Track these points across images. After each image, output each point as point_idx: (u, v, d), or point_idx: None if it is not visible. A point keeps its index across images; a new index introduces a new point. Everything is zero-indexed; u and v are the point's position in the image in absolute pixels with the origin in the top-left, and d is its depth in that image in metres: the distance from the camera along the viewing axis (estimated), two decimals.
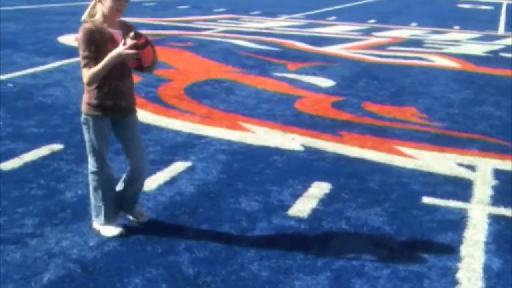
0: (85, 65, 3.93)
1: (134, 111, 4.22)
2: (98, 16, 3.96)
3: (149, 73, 4.14)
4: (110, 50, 3.84)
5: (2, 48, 10.79)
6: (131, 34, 3.83)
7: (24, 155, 5.70)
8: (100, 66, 3.87)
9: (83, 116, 4.13)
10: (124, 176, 4.33)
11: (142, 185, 4.40)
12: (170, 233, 4.34)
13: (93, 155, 4.15)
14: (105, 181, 4.24)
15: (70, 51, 10.74)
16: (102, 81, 3.97)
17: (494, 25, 20.55)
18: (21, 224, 4.36)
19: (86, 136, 4.14)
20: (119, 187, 4.34)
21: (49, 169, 5.41)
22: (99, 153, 4.13)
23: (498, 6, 30.35)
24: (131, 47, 3.79)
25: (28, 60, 9.96)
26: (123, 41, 3.84)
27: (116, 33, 3.98)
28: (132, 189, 4.32)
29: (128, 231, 4.30)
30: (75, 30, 13.28)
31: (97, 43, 3.91)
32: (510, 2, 33.19)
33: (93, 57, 3.91)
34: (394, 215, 4.84)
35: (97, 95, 4.01)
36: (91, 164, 4.21)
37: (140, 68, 3.96)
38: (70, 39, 12.14)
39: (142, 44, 3.84)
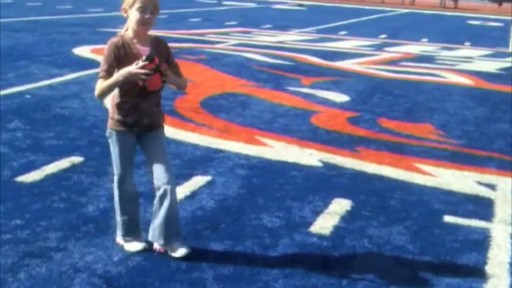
0: (100, 77, 3.95)
1: (160, 126, 4.17)
2: (129, 31, 3.95)
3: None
4: None
5: (18, 59, 10.83)
6: (144, 57, 3.80)
7: (44, 167, 5.70)
8: (110, 81, 3.89)
9: (107, 130, 4.13)
10: (154, 201, 4.18)
11: (172, 207, 4.05)
12: (194, 249, 4.32)
13: (116, 169, 4.15)
14: (126, 195, 4.23)
15: (86, 63, 10.81)
16: (123, 98, 3.97)
17: (504, 41, 20.57)
18: (45, 237, 4.35)
19: (111, 150, 4.15)
20: (153, 216, 4.19)
21: (70, 181, 5.41)
22: (121, 168, 4.13)
23: (507, 22, 30.37)
24: (142, 68, 3.76)
25: (44, 71, 10.00)
26: (138, 60, 3.82)
27: (144, 50, 3.94)
28: (162, 212, 4.06)
29: (151, 245, 4.28)
30: (89, 42, 13.45)
31: (119, 59, 3.90)
32: None
33: (109, 71, 3.92)
34: (417, 234, 4.82)
35: (119, 112, 4.02)
36: (114, 178, 4.21)
37: (145, 90, 3.92)
38: (85, 51, 12.20)
39: (151, 69, 3.79)
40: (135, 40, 3.94)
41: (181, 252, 4.12)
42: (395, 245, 4.62)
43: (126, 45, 3.91)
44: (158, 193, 4.07)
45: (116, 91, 3.99)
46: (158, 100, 4.11)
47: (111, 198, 4.98)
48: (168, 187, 4.03)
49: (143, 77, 3.79)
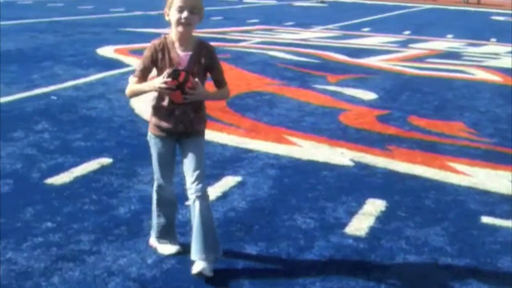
0: (134, 76, 3.87)
1: (198, 133, 3.93)
2: (172, 33, 3.79)
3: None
4: None
5: (42, 60, 10.82)
6: (169, 70, 3.64)
7: (73, 169, 5.65)
8: (139, 87, 3.83)
9: (148, 133, 4.04)
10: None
11: (203, 219, 3.83)
12: (228, 251, 4.24)
13: (154, 172, 4.06)
14: (162, 200, 4.14)
15: (110, 63, 10.76)
16: (159, 103, 3.85)
17: None
18: (77, 240, 4.29)
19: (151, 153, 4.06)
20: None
21: (100, 183, 5.35)
22: (158, 172, 4.04)
23: None
24: (165, 83, 3.63)
25: (69, 72, 9.96)
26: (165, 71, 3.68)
27: (184, 55, 3.77)
28: (195, 226, 3.86)
29: (185, 248, 4.20)
30: (112, 42, 13.44)
31: (157, 61, 3.80)
32: None
33: (144, 72, 3.84)
34: (455, 236, 4.70)
35: (156, 116, 3.92)
36: (154, 181, 4.13)
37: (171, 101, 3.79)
38: (108, 51, 12.16)
39: (175, 85, 3.63)
40: (176, 44, 3.77)
41: (197, 267, 3.83)
42: (433, 246, 4.51)
43: (166, 48, 3.77)
44: (190, 203, 3.92)
45: (153, 94, 3.90)
46: (197, 107, 3.85)
47: (142, 200, 4.96)
48: (199, 198, 3.84)
49: (166, 91, 3.67)
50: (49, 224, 4.51)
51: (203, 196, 3.84)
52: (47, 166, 5.68)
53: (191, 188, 3.85)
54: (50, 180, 5.34)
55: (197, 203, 3.82)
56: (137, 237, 4.39)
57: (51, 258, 4.02)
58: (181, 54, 3.76)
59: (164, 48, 3.77)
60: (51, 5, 22.36)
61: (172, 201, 4.19)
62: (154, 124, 3.92)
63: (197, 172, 3.84)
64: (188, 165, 3.88)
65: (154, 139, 3.95)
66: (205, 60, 3.79)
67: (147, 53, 3.82)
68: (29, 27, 15.31)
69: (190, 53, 3.76)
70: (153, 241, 4.24)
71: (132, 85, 3.87)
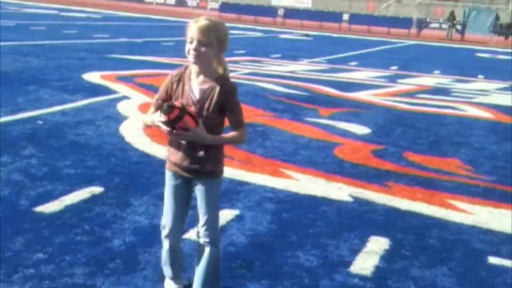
0: (152, 105, 3.69)
1: (209, 174, 3.61)
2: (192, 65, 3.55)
3: None
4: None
5: (28, 84, 10.57)
6: (165, 105, 3.40)
7: (63, 197, 5.42)
8: (144, 119, 3.70)
9: None
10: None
11: (209, 268, 3.70)
12: None
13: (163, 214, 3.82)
14: (166, 237, 3.86)
15: (97, 89, 10.56)
16: (170, 136, 3.60)
17: None
18: (71, 273, 4.07)
19: None
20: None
21: (92, 213, 5.12)
22: (164, 211, 3.79)
23: None
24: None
25: (55, 96, 9.72)
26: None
27: (198, 90, 3.50)
28: (199, 271, 3.74)
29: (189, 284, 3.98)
30: (97, 68, 13.23)
31: (171, 92, 3.57)
32: None
33: (159, 102, 3.61)
34: (463, 276, 4.53)
35: (168, 148, 3.71)
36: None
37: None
38: (95, 77, 11.96)
39: (166, 121, 3.39)
40: (193, 76, 3.53)
41: None
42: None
43: (182, 79, 3.54)
44: (199, 248, 3.76)
45: (146, 124, 3.69)
46: (207, 145, 3.55)
47: (136, 232, 4.75)
48: (207, 244, 3.66)
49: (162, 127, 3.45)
50: (40, 255, 4.28)
51: (211, 243, 3.66)
52: (36, 194, 5.44)
53: (200, 232, 3.69)
54: (39, 208, 5.11)
55: (205, 249, 3.68)
56: (133, 272, 4.16)
57: None
58: (194, 88, 3.52)
59: (180, 79, 3.55)
60: (34, 28, 22.15)
61: (173, 241, 3.85)
62: (167, 156, 3.71)
63: (205, 217, 3.64)
64: (199, 209, 3.67)
65: (167, 174, 3.73)
66: (219, 98, 3.47)
67: (164, 83, 3.63)
68: (12, 50, 15.07)
69: (204, 87, 3.50)
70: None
71: (146, 114, 3.68)
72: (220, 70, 3.54)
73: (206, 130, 3.45)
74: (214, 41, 3.41)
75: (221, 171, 3.66)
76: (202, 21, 3.40)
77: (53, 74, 11.89)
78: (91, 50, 16.93)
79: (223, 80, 3.50)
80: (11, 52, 14.52)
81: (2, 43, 16.08)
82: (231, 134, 3.57)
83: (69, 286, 3.89)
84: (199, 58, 3.42)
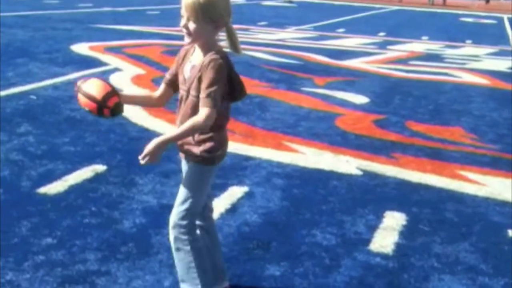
0: None
1: (192, 159, 3.25)
2: None
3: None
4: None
5: (16, 57, 10.27)
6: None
7: (66, 177, 5.21)
8: None
9: None
10: None
11: (173, 252, 3.37)
12: (251, 272, 3.88)
13: None
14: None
15: (87, 61, 10.28)
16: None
17: (504, 39, 20.25)
18: (83, 259, 3.88)
19: None
20: None
21: (97, 193, 4.92)
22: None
23: (499, 20, 30.16)
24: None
25: (45, 70, 9.45)
26: None
27: (190, 68, 3.18)
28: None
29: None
30: (85, 39, 12.91)
31: (177, 68, 3.32)
32: (509, 16, 33.02)
33: (168, 76, 3.38)
34: (486, 252, 4.40)
35: None
36: None
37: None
38: (83, 48, 11.67)
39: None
40: (194, 52, 3.22)
41: None
42: (467, 265, 4.20)
43: (187, 56, 3.26)
44: None
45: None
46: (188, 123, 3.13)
47: (146, 212, 4.59)
48: (170, 231, 3.30)
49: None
50: (49, 239, 4.09)
51: (173, 227, 3.27)
52: (37, 174, 5.23)
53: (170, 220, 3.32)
54: (43, 190, 4.90)
55: (171, 240, 3.32)
56: (148, 256, 3.99)
57: (57, 280, 3.62)
58: (187, 67, 3.22)
59: (185, 56, 3.27)
60: None
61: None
62: None
63: (176, 199, 3.30)
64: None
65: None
66: (199, 72, 3.09)
67: (176, 58, 3.38)
68: None
69: (196, 65, 3.15)
70: None
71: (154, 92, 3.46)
72: (227, 45, 3.22)
73: (193, 111, 3.12)
74: (205, 16, 3.02)
75: (207, 158, 3.22)
76: None
77: (41, 46, 11.57)
78: (76, 20, 16.56)
79: (209, 55, 3.09)
80: None
81: None
82: (187, 122, 3.10)
83: (82, 273, 3.71)
84: (191, 36, 3.08)
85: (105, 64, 10.03)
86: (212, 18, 3.04)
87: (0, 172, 5.21)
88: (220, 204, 4.89)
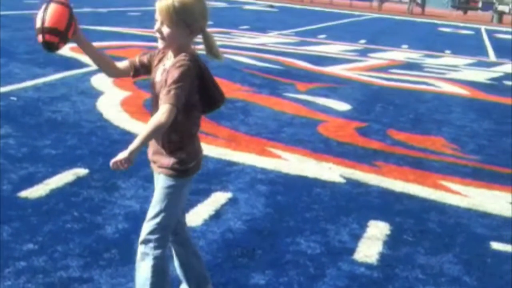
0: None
1: (163, 171, 3.12)
2: None
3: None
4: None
5: None
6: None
7: (47, 180, 5.14)
8: None
9: None
10: None
11: (138, 274, 3.24)
12: (235, 280, 3.85)
13: None
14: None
15: (69, 63, 10.17)
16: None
17: (482, 50, 20.40)
18: (65, 265, 3.82)
19: None
20: None
21: (79, 197, 4.86)
22: None
23: (477, 31, 30.40)
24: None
25: (26, 71, 9.33)
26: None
27: (161, 71, 3.08)
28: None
29: None
30: None
31: (148, 62, 3.22)
32: (486, 27, 33.31)
33: (134, 59, 3.26)
34: (469, 264, 4.42)
35: None
36: None
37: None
38: (64, 49, 11.46)
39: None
40: (169, 57, 3.11)
41: None
42: (451, 276, 4.21)
43: (161, 59, 3.14)
44: None
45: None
46: (171, 131, 3.01)
47: (128, 217, 4.57)
48: (139, 246, 3.20)
49: None
50: (30, 245, 4.03)
51: (142, 241, 3.16)
52: (18, 177, 5.16)
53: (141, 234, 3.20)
54: (24, 193, 4.83)
55: (139, 254, 3.21)
56: (131, 263, 3.89)
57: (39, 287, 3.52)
58: (160, 68, 3.11)
59: (161, 60, 3.14)
60: None
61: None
62: None
63: (147, 217, 3.17)
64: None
65: None
66: (168, 75, 2.99)
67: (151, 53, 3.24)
68: None
69: (166, 68, 3.05)
70: None
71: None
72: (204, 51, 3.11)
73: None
74: (179, 20, 2.93)
75: (180, 171, 3.09)
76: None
77: (21, 47, 11.44)
78: None
79: (180, 56, 2.99)
80: None
81: None
82: (149, 122, 2.96)
83: (65, 280, 3.65)
84: (164, 41, 2.99)
85: (86, 65, 9.94)
86: (186, 22, 2.95)
87: None
88: (204, 210, 4.86)
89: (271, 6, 33.35)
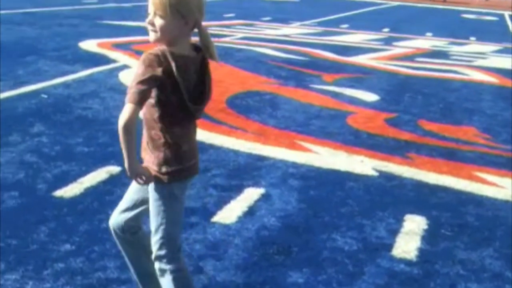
0: None
1: (155, 177, 2.94)
2: None
3: None
4: None
5: (25, 55, 10.17)
6: None
7: (81, 179, 5.13)
8: None
9: None
10: None
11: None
12: (273, 279, 3.81)
13: None
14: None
15: (96, 59, 10.19)
16: None
17: (507, 37, 20.13)
18: (103, 266, 3.81)
19: None
20: None
21: (113, 196, 4.84)
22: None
23: (500, 16, 30.03)
24: None
25: (55, 68, 9.35)
26: None
27: None
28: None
29: (230, 274, 3.74)
30: (92, 35, 12.82)
31: None
32: (510, 12, 32.92)
33: None
34: (511, 259, 4.32)
35: None
36: None
37: None
38: (91, 45, 11.57)
39: None
40: None
41: None
42: (493, 272, 4.14)
43: None
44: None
45: None
46: (150, 137, 2.94)
47: None
48: (155, 264, 3.06)
49: None
50: (67, 246, 4.02)
51: (156, 258, 3.04)
52: (52, 176, 5.16)
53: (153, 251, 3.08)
54: (59, 193, 4.83)
55: (157, 271, 3.07)
56: None
57: None
58: None
59: None
60: None
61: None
62: None
63: (151, 231, 3.05)
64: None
65: None
66: None
67: None
68: (4, 19, 14.53)
69: None
70: None
71: None
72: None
73: (148, 112, 2.89)
74: (173, 10, 2.74)
75: (162, 174, 2.93)
76: None
77: (49, 44, 11.47)
78: (82, 16, 16.46)
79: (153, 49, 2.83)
80: (2, 21, 14.01)
81: None
82: None
83: (103, 282, 3.64)
84: (155, 33, 2.79)
85: (113, 61, 9.95)
86: (181, 13, 2.75)
87: (16, 174, 5.11)
88: (237, 207, 4.83)
89: None
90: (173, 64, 2.76)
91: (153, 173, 2.91)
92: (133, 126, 2.75)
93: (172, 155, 2.90)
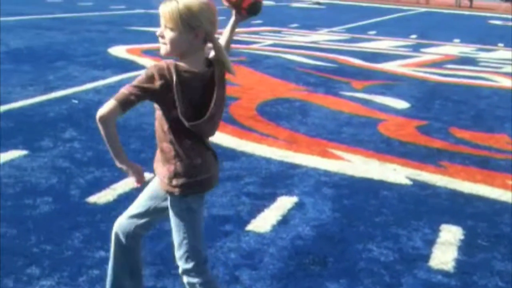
0: None
1: (169, 192, 2.97)
2: None
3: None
4: None
5: (55, 60, 10.24)
6: None
7: (114, 185, 5.13)
8: None
9: None
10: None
11: None
12: None
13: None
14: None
15: (126, 65, 10.23)
16: None
17: None
18: None
19: None
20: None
21: None
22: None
23: None
24: None
25: (85, 73, 9.41)
26: None
27: None
28: None
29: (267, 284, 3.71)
30: (121, 41, 12.87)
31: None
32: None
33: None
34: None
35: None
36: None
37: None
38: (121, 51, 11.62)
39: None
40: None
41: None
42: None
43: None
44: None
45: None
46: (161, 149, 2.98)
47: None
48: (183, 278, 3.07)
49: None
50: (102, 253, 4.00)
51: (184, 272, 3.04)
52: (85, 182, 5.17)
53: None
54: (92, 199, 4.83)
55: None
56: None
57: None
58: None
59: None
60: (50, 0, 21.72)
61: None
62: None
63: (175, 245, 3.07)
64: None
65: None
66: None
67: None
68: (33, 24, 14.67)
69: None
70: None
71: None
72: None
73: (159, 124, 2.93)
74: (183, 22, 2.72)
75: (174, 187, 2.92)
76: (167, 2, 2.76)
77: (78, 49, 11.55)
78: (110, 22, 16.57)
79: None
80: (33, 27, 14.15)
81: (22, 17, 15.71)
82: None
83: None
84: (166, 46, 2.78)
85: (142, 67, 9.97)
86: (191, 25, 2.72)
87: (49, 180, 5.13)
88: (271, 216, 4.79)
89: (318, 3, 33.18)
90: (174, 78, 2.72)
91: (165, 187, 2.92)
92: (108, 120, 2.79)
93: (183, 168, 2.88)
